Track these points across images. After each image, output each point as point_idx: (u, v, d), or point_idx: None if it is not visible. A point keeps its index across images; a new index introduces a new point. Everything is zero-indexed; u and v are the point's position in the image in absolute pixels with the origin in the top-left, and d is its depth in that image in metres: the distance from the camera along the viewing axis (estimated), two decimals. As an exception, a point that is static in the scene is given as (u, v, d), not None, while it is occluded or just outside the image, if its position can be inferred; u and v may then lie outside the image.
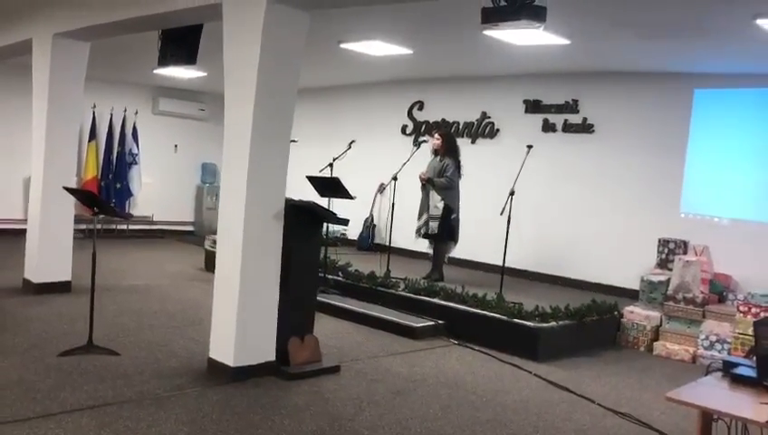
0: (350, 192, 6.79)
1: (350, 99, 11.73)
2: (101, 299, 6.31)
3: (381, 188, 11.09)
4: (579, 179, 8.90)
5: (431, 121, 10.61)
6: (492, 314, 6.58)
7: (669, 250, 7.77)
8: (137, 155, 12.32)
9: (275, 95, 4.95)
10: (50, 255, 7.15)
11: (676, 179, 8.03)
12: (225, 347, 4.94)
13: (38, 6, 7.05)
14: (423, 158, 8.60)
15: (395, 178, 8.29)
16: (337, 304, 7.27)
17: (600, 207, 8.70)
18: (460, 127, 10.18)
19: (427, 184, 8.04)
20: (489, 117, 9.94)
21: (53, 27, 6.93)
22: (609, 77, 8.56)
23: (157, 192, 12.77)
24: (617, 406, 5.04)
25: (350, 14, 6.05)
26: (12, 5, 7.30)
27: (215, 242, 8.84)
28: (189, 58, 6.41)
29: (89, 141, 11.78)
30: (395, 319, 6.85)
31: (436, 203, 7.99)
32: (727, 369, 3.26)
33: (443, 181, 7.92)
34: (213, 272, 5.25)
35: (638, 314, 7.16)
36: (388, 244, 8.79)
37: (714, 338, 6.67)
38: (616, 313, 7.21)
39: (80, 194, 6.33)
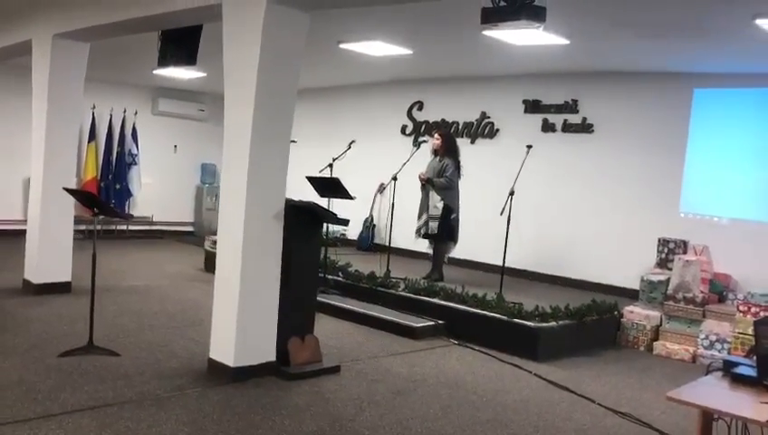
0: (350, 192, 6.79)
1: (350, 99, 11.73)
2: (101, 300, 6.31)
3: (381, 189, 11.09)
4: (578, 179, 8.90)
5: (431, 121, 10.61)
6: (492, 313, 6.58)
7: (669, 250, 7.78)
8: (136, 155, 12.33)
9: (275, 96, 4.95)
10: (50, 255, 7.15)
11: (675, 179, 8.04)
12: (225, 347, 4.95)
13: (38, 7, 7.05)
14: (423, 158, 8.60)
15: (395, 179, 8.29)
16: (337, 304, 7.27)
17: (599, 207, 8.71)
18: (460, 127, 10.19)
19: (426, 184, 8.04)
20: (489, 117, 9.94)
21: (53, 28, 6.93)
22: (609, 77, 8.56)
23: (156, 193, 12.77)
24: (617, 406, 5.04)
25: (349, 14, 6.05)
26: (11, 6, 7.31)
27: (214, 242, 8.86)
28: (189, 59, 6.41)
29: (88, 142, 11.78)
30: (395, 319, 6.85)
31: (436, 203, 7.99)
32: (727, 368, 3.26)
33: (442, 181, 7.92)
34: (213, 272, 5.25)
35: (637, 314, 7.16)
36: (388, 244, 8.79)
37: (714, 338, 6.67)
38: (616, 312, 7.21)
39: (79, 195, 6.33)
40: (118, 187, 12.20)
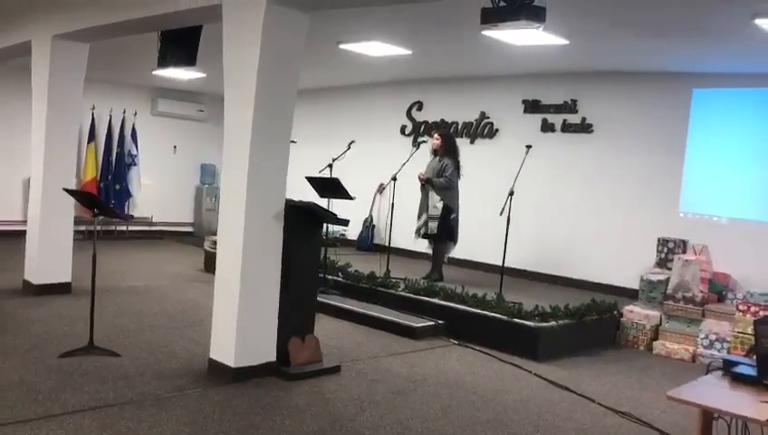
0: (350, 193, 6.79)
1: (350, 99, 11.73)
2: (101, 300, 6.31)
3: (381, 189, 11.10)
4: (578, 179, 8.91)
5: (430, 122, 10.62)
6: (492, 313, 6.58)
7: (669, 249, 7.78)
8: (136, 156, 12.33)
9: (275, 96, 4.95)
10: (50, 256, 7.15)
11: (675, 179, 8.04)
12: (225, 348, 4.95)
13: (37, 8, 7.05)
14: (422, 158, 8.61)
15: (394, 179, 8.30)
16: (337, 304, 7.27)
17: (599, 207, 8.71)
18: (459, 127, 10.19)
19: (426, 184, 8.05)
20: (488, 117, 9.95)
21: (53, 29, 6.93)
22: (608, 77, 8.57)
23: (156, 193, 12.77)
24: (617, 405, 5.05)
25: (349, 14, 6.05)
26: (11, 7, 7.31)
27: (214, 243, 8.87)
28: (189, 59, 6.42)
29: (88, 143, 11.78)
30: (395, 319, 6.86)
31: (436, 203, 7.99)
32: (727, 368, 3.26)
33: (442, 181, 7.92)
34: (212, 273, 5.26)
35: (637, 314, 7.17)
36: (387, 244, 8.79)
37: (713, 337, 6.68)
38: (615, 312, 7.22)
39: (79, 195, 6.33)
40: (117, 187, 12.20)
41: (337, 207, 6.98)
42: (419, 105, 10.85)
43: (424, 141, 10.23)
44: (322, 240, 7.04)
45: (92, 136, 11.88)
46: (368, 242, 11.22)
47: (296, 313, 5.27)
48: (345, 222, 5.51)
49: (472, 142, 10.01)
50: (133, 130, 12.32)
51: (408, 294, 7.31)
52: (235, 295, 4.88)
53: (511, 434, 4.38)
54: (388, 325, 6.79)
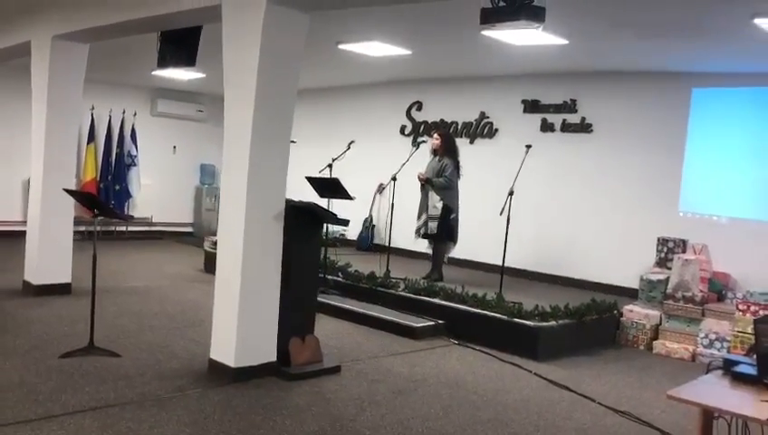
0: (350, 193, 6.80)
1: (349, 99, 11.74)
2: (101, 301, 6.30)
3: (380, 189, 11.10)
4: (577, 179, 8.91)
5: (430, 122, 10.62)
6: (492, 313, 6.59)
7: (668, 249, 7.78)
8: (135, 156, 12.33)
9: (275, 97, 4.96)
10: (50, 257, 7.15)
11: (674, 178, 8.05)
12: (225, 348, 4.95)
13: (37, 8, 7.05)
14: (422, 158, 8.61)
15: (394, 179, 8.30)
16: (337, 304, 7.27)
17: (598, 207, 8.72)
18: (459, 127, 10.20)
19: (425, 184, 8.05)
20: (488, 117, 9.95)
21: (52, 29, 6.94)
22: (608, 77, 8.57)
23: (155, 193, 12.78)
24: (617, 405, 5.05)
25: (348, 15, 6.05)
26: (10, 7, 7.30)
27: (214, 243, 8.88)
28: (189, 59, 6.43)
29: (87, 143, 11.78)
30: (395, 319, 6.86)
31: (435, 203, 7.99)
32: (728, 367, 3.26)
33: (441, 181, 7.93)
34: (212, 273, 5.26)
35: (637, 313, 7.18)
36: (387, 244, 8.79)
37: (713, 336, 6.68)
38: (615, 312, 7.22)
39: (80, 196, 6.34)
40: (117, 188, 12.21)
41: (337, 207, 6.98)
42: (419, 105, 10.85)
43: (423, 141, 10.22)
44: (322, 240, 7.04)
45: (92, 136, 11.88)
46: (367, 242, 11.22)
47: (296, 313, 5.27)
48: (345, 222, 5.51)
49: (471, 142, 10.02)
50: (133, 130, 12.33)
51: (408, 294, 7.31)
52: (235, 296, 4.88)
53: (511, 434, 4.38)
54: (389, 325, 6.80)
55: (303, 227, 5.36)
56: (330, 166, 8.33)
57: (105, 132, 12.12)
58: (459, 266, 9.08)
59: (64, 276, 7.24)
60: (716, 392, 3.05)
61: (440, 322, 6.83)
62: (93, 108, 11.65)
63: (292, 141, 5.26)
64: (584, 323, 6.76)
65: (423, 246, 8.67)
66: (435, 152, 8.19)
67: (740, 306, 6.56)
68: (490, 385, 5.37)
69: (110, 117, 12.17)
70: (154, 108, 12.84)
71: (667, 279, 7.25)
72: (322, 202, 6.84)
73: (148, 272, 9.28)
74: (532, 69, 8.80)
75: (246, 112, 4.84)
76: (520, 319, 6.40)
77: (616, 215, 8.54)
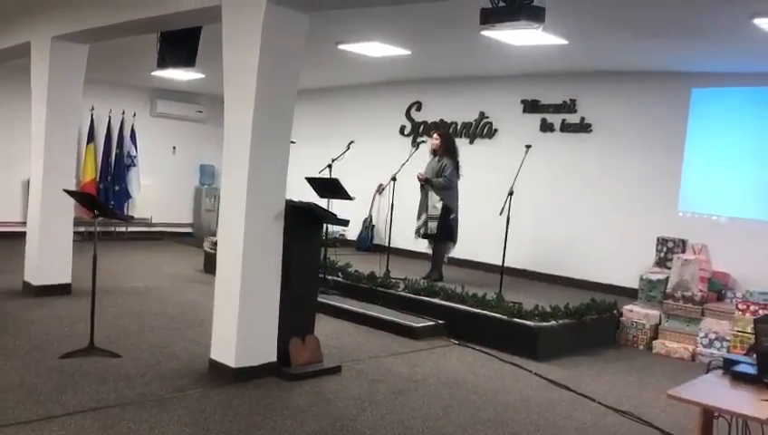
0: (349, 193, 6.80)
1: (349, 100, 11.74)
2: (101, 301, 6.30)
3: (380, 189, 11.10)
4: (577, 179, 8.92)
5: (429, 122, 10.63)
6: (492, 313, 6.59)
7: (668, 249, 7.79)
8: (135, 157, 12.34)
9: (275, 97, 4.96)
10: (50, 257, 7.15)
11: (674, 178, 8.06)
12: (226, 348, 4.96)
13: (36, 9, 7.05)
14: (422, 158, 8.61)
15: (394, 179, 8.30)
16: (337, 304, 7.27)
17: (598, 207, 8.73)
18: (458, 127, 10.20)
19: (425, 184, 8.06)
20: (487, 117, 9.96)
21: (52, 30, 6.93)
22: (607, 76, 8.58)
23: (155, 194, 12.78)
24: (617, 404, 5.05)
25: (348, 15, 6.06)
26: (10, 8, 7.30)
27: (214, 244, 8.88)
28: (188, 60, 6.43)
29: (87, 144, 11.78)
30: (395, 319, 6.86)
31: (435, 203, 8.00)
32: (728, 366, 3.27)
33: (441, 181, 7.93)
34: (212, 273, 5.26)
35: (637, 313, 7.18)
36: (387, 244, 8.79)
37: (713, 336, 6.69)
38: (615, 311, 7.23)
39: (80, 196, 6.33)
40: (117, 188, 12.21)
41: (336, 207, 6.99)
42: (418, 105, 10.86)
43: (423, 141, 10.24)
44: (322, 240, 7.05)
45: (91, 137, 11.88)
46: (367, 242, 11.23)
47: (296, 313, 5.27)
48: (345, 222, 5.52)
49: (471, 142, 10.02)
50: (132, 130, 12.33)
51: (408, 294, 7.32)
52: (235, 296, 4.89)
53: (512, 433, 4.38)
54: (389, 325, 6.80)
55: (303, 227, 5.36)
56: (329, 166, 8.33)
57: (105, 133, 12.12)
58: (459, 266, 9.09)
59: (64, 277, 7.23)
60: (716, 392, 3.06)
61: (440, 322, 6.83)
62: (93, 108, 11.65)
63: (292, 142, 5.26)
64: (584, 322, 6.77)
65: (423, 246, 8.68)
66: (434, 152, 8.19)
67: (739, 306, 6.57)
68: (490, 385, 5.37)
69: (110, 117, 12.17)
70: (153, 108, 12.84)
71: (667, 279, 7.26)
72: (322, 202, 6.85)
73: (148, 272, 9.28)
74: (532, 69, 8.80)
75: (246, 113, 4.85)
76: (520, 319, 6.41)
77: (615, 215, 8.55)
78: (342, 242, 10.74)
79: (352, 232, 11.02)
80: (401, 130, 11.04)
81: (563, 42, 6.77)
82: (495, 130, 9.86)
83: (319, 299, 6.18)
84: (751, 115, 7.56)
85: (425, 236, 8.20)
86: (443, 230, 7.98)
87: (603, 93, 8.74)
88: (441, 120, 10.45)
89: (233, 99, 5.03)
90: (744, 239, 7.45)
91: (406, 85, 10.78)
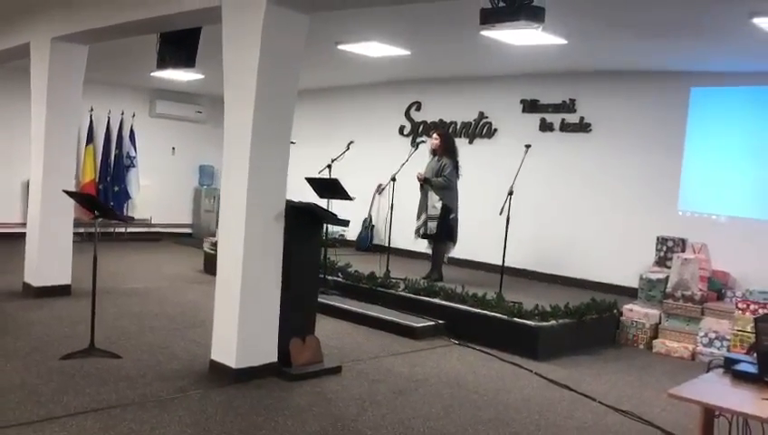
0: (349, 193, 6.80)
1: (348, 100, 11.75)
2: (101, 302, 6.29)
3: (380, 189, 11.11)
4: (577, 178, 8.93)
5: (429, 122, 10.63)
6: (492, 313, 6.59)
7: (668, 248, 7.80)
8: (134, 158, 12.34)
9: (275, 98, 4.96)
10: (50, 258, 7.15)
11: (673, 178, 8.06)
12: (226, 349, 4.96)
13: (36, 10, 7.05)
14: (421, 158, 8.61)
15: (393, 179, 8.30)
16: (337, 304, 7.27)
17: (598, 206, 8.73)
18: (458, 127, 10.21)
19: (424, 184, 8.06)
20: (486, 117, 9.96)
21: (52, 31, 6.93)
22: (606, 76, 8.59)
23: (155, 195, 12.78)
24: (618, 404, 5.06)
25: (347, 15, 6.06)
26: (10, 9, 7.30)
27: (213, 244, 8.89)
28: (188, 61, 6.43)
29: (86, 145, 11.78)
30: (395, 319, 6.87)
31: (435, 203, 8.00)
32: (728, 365, 3.28)
33: (440, 181, 7.93)
34: (212, 274, 5.27)
35: (637, 312, 7.19)
36: (387, 244, 8.79)
37: (713, 335, 6.70)
38: (615, 311, 7.23)
39: (80, 197, 6.34)
40: (116, 189, 12.21)
41: (336, 207, 6.99)
42: (418, 105, 10.86)
43: (423, 141, 10.25)
44: (322, 241, 7.05)
45: (91, 138, 11.88)
46: (367, 242, 11.23)
47: (297, 313, 5.28)
48: (345, 222, 5.52)
49: (471, 142, 10.03)
50: (132, 131, 12.33)
51: (409, 295, 7.32)
52: (235, 296, 4.89)
53: (512, 433, 4.39)
54: (389, 325, 6.80)
55: (303, 227, 5.36)
56: (329, 166, 8.34)
57: (104, 134, 12.12)
58: (459, 266, 9.09)
59: (64, 278, 7.23)
60: (717, 391, 3.06)
61: (440, 322, 6.83)
62: (92, 109, 11.65)
63: (292, 142, 5.27)
64: (584, 322, 6.77)
65: (423, 246, 8.68)
66: (434, 152, 8.19)
67: (739, 305, 6.57)
68: (491, 385, 5.37)
69: (109, 118, 12.17)
70: (153, 109, 12.84)
71: (667, 278, 7.26)
72: (322, 203, 6.85)
73: (148, 273, 9.27)
74: (531, 69, 8.81)
75: (246, 113, 4.85)
76: (520, 319, 6.41)
77: (615, 214, 8.56)
78: (342, 242, 10.75)
79: (352, 232, 11.02)
80: (401, 131, 11.04)
81: (563, 42, 6.77)
82: (495, 130, 9.86)
83: (319, 299, 6.17)
84: (750, 114, 7.57)
85: (424, 236, 8.21)
86: (443, 230, 7.98)
87: (602, 93, 8.75)
88: (440, 120, 10.45)
89: (233, 99, 5.03)
90: (744, 238, 7.46)
91: (405, 85, 10.79)
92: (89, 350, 5.20)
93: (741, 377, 3.16)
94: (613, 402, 5.08)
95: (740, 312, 6.52)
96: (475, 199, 8.77)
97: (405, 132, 10.99)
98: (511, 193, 7.26)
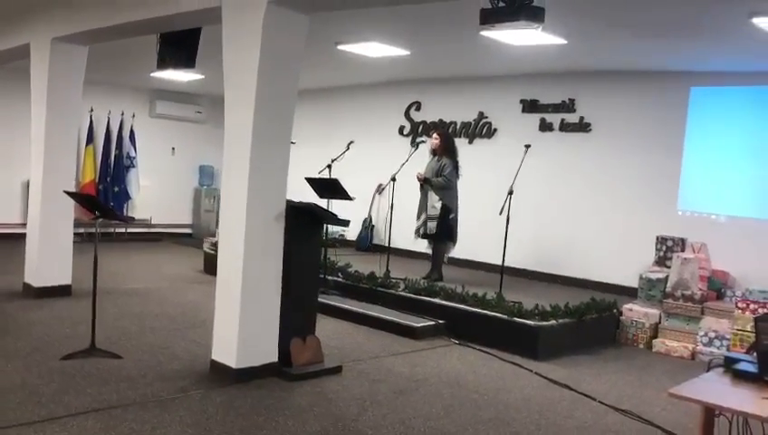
0: (349, 193, 6.80)
1: (348, 100, 11.75)
2: (102, 302, 6.28)
3: (380, 189, 11.11)
4: (576, 178, 8.93)
5: (428, 122, 10.64)
6: (492, 313, 6.60)
7: (667, 248, 7.80)
8: (134, 158, 12.34)
9: (275, 98, 4.97)
10: (50, 258, 7.15)
11: (673, 177, 8.07)
12: (227, 349, 4.96)
13: (36, 10, 7.05)
14: (421, 158, 8.62)
15: (393, 179, 8.31)
16: (337, 304, 7.28)
17: (598, 206, 8.74)
18: (457, 127, 10.22)
19: (424, 184, 8.06)
20: (486, 117, 9.97)
21: (52, 32, 6.94)
22: (606, 76, 8.60)
23: (155, 195, 12.78)
24: (618, 403, 5.06)
25: (347, 15, 6.06)
26: (10, 9, 7.30)
27: (213, 244, 8.89)
28: (188, 61, 6.44)
29: (86, 145, 11.78)
30: (395, 319, 6.87)
31: (434, 203, 8.01)
32: (729, 365, 3.29)
33: (440, 181, 7.94)
34: (212, 274, 5.28)
35: (637, 312, 7.19)
36: (387, 244, 8.80)
37: (712, 335, 6.70)
38: (615, 310, 7.24)
39: (80, 197, 6.34)
40: (116, 189, 12.21)
41: (336, 207, 6.99)
42: (418, 105, 10.87)
43: (423, 141, 10.26)
44: (322, 241, 7.05)
45: (91, 138, 11.88)
46: (367, 242, 11.24)
47: (297, 313, 5.28)
48: (346, 223, 5.52)
49: (470, 142, 10.04)
50: (131, 131, 12.34)
51: (409, 294, 7.32)
52: (236, 297, 4.89)
53: (513, 433, 4.39)
54: (389, 325, 6.81)
55: (303, 227, 5.36)
56: (329, 166, 8.34)
57: (104, 134, 12.12)
58: (459, 266, 9.10)
59: (65, 278, 7.24)
60: (717, 390, 3.07)
61: (441, 322, 6.84)
62: (92, 110, 11.66)
63: (292, 142, 5.27)
64: (584, 322, 6.77)
65: (423, 246, 8.68)
66: (434, 152, 8.20)
67: (739, 304, 6.57)
68: (491, 384, 5.38)
69: (109, 119, 12.18)
70: (153, 109, 12.84)
71: (667, 278, 7.27)
72: (322, 203, 6.85)
73: (148, 273, 9.28)
74: (531, 69, 8.81)
75: (247, 113, 4.85)
76: (520, 318, 6.42)
77: (615, 214, 8.57)
78: (342, 242, 10.75)
79: (352, 232, 11.02)
80: (400, 131, 11.05)
81: (563, 41, 6.78)
82: (495, 130, 9.87)
83: (319, 299, 6.18)
84: (749, 114, 7.58)
85: (424, 236, 8.21)
86: (442, 230, 7.99)
87: (602, 93, 8.75)
88: (440, 120, 10.46)
89: (233, 99, 5.04)
90: (743, 238, 7.47)
91: (405, 85, 10.79)
92: (89, 350, 5.20)
93: (741, 376, 3.16)
94: (613, 402, 5.09)
95: (740, 311, 6.52)
96: (474, 199, 8.77)
97: (405, 132, 11.00)
98: (511, 193, 7.27)
